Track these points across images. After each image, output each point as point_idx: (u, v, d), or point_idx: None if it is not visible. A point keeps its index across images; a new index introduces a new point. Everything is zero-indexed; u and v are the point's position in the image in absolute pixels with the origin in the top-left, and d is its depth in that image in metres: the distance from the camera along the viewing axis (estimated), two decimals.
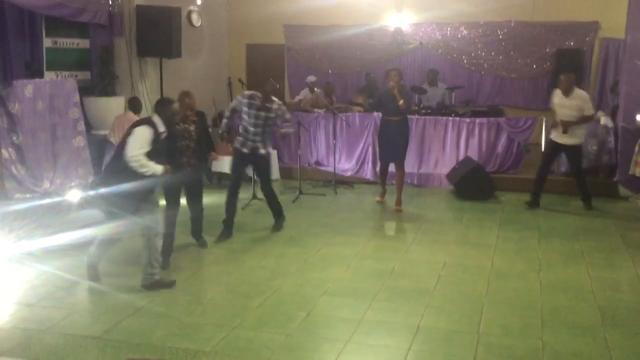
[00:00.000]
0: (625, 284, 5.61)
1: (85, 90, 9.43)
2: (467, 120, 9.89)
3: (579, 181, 8.32)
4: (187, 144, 6.16)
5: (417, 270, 5.97)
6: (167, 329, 4.51)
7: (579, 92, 8.04)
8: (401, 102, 7.89)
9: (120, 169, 5.19)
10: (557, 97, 8.16)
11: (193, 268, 5.90)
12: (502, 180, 9.33)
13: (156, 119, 5.30)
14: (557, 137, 8.10)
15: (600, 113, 10.28)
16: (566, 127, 7.90)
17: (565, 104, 8.00)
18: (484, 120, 9.84)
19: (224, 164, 9.69)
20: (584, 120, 8.03)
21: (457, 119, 9.95)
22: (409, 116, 8.55)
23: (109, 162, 6.07)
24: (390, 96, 8.01)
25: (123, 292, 5.23)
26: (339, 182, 9.74)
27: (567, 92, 7.98)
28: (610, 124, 9.66)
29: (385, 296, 5.24)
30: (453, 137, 9.93)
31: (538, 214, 8.10)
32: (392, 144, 8.18)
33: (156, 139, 5.21)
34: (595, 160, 9.46)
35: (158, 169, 5.23)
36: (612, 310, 4.94)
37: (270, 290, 5.29)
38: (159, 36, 10.20)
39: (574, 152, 8.18)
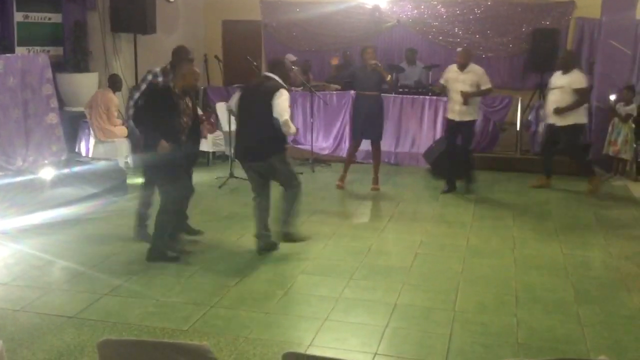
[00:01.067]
0: (597, 262, 5.70)
1: (58, 66, 9.23)
2: (444, 99, 9.88)
3: (466, 158, 8.15)
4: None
5: (394, 249, 6.01)
6: (144, 308, 4.48)
7: (473, 67, 7.87)
8: (389, 77, 7.91)
9: (273, 135, 5.44)
10: (452, 72, 7.98)
11: None
12: (478, 159, 9.38)
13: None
14: (453, 114, 7.96)
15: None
16: (465, 98, 7.67)
17: (459, 78, 7.81)
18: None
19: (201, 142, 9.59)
20: (481, 93, 7.90)
21: (434, 98, 9.96)
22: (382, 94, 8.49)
23: (254, 132, 5.56)
24: (366, 72, 7.91)
25: (99, 271, 5.17)
26: (317, 160, 9.71)
27: (462, 67, 7.82)
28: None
29: (362, 274, 5.27)
30: (430, 116, 9.97)
31: (511, 192, 8.18)
32: (369, 121, 8.09)
33: None
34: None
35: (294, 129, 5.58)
36: (584, 287, 5.03)
37: (248, 269, 5.27)
38: (133, 11, 10.02)
39: (467, 128, 7.96)
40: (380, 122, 8.25)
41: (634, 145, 8.84)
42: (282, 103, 5.37)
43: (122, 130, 8.92)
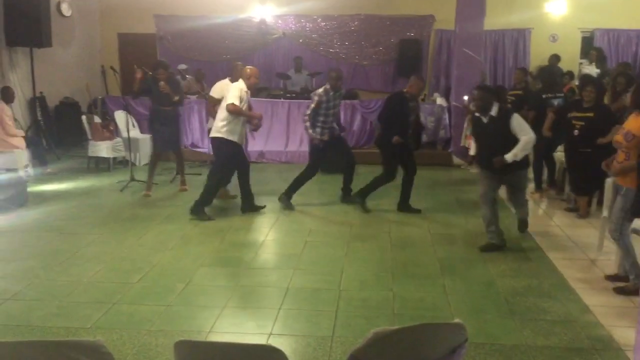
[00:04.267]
0: (459, 238, 5.99)
1: None
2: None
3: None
4: None
5: (286, 238, 6.03)
6: (46, 310, 4.20)
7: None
8: (176, 98, 7.47)
9: None
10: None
11: (71, 251, 5.52)
12: (358, 154, 9.56)
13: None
14: None
15: (436, 94, 10.88)
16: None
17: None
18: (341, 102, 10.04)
19: (100, 148, 9.20)
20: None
21: None
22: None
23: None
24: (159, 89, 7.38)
25: None
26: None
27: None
28: (444, 103, 10.25)
29: (258, 263, 5.24)
30: None
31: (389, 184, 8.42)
32: (168, 133, 7.61)
33: None
34: (433, 134, 10.03)
35: None
36: (448, 261, 5.27)
37: (149, 266, 5.09)
38: (28, 26, 9.42)
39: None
40: (177, 133, 7.86)
41: None
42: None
43: (20, 140, 8.35)
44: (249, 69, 6.59)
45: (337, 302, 4.36)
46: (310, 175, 7.14)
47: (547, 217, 6.76)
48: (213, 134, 6.60)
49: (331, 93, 6.87)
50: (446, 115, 9.97)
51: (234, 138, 6.50)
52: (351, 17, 12.39)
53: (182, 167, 8.08)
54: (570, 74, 10.55)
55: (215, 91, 7.52)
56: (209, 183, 6.68)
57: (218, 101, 6.96)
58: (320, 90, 6.92)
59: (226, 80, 7.34)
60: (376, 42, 12.50)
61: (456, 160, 9.66)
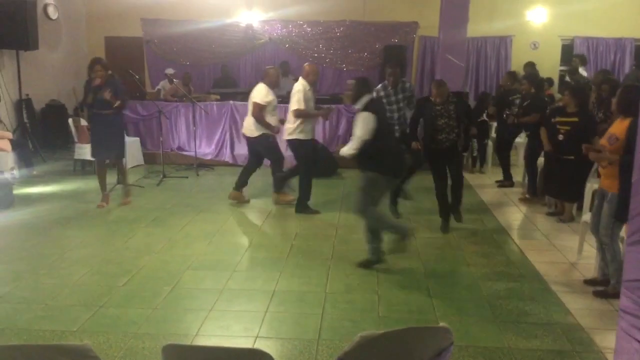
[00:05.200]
0: (443, 242, 5.98)
1: None
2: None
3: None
4: None
5: (273, 242, 6.01)
6: (32, 313, 4.14)
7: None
8: (117, 103, 6.71)
9: None
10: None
11: (57, 253, 5.45)
12: (343, 159, 9.57)
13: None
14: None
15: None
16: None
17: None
18: (326, 107, 10.04)
19: (87, 151, 9.09)
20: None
21: None
22: None
23: None
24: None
25: None
26: (200, 165, 9.50)
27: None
28: None
29: (245, 267, 5.22)
30: None
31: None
32: (109, 140, 6.93)
33: None
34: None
35: None
36: (433, 265, 5.28)
37: (136, 269, 5.04)
38: (15, 28, 9.32)
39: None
40: (119, 141, 7.12)
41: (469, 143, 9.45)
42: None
43: (6, 143, 8.24)
44: (307, 66, 6.90)
45: (322, 304, 4.35)
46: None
47: (529, 222, 6.81)
48: (288, 137, 6.88)
49: (390, 88, 6.89)
50: None
51: (306, 137, 6.85)
52: (337, 23, 12.43)
53: (125, 178, 7.40)
54: (549, 81, 10.67)
55: (256, 96, 7.01)
56: (301, 182, 6.95)
57: (261, 106, 6.94)
58: (379, 85, 7.02)
59: (261, 85, 7.06)
60: (361, 48, 12.54)
61: None
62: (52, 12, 11.04)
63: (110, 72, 6.79)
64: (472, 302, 4.46)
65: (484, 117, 9.44)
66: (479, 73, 12.87)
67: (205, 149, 10.12)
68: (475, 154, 9.66)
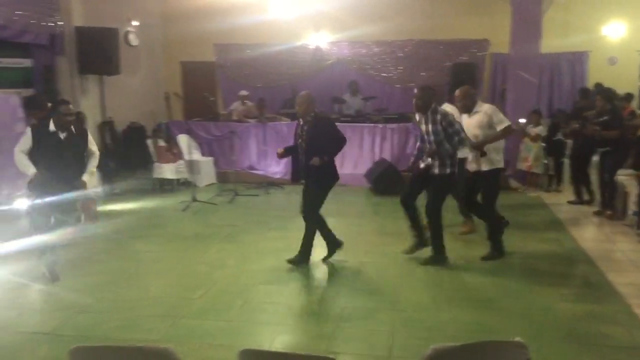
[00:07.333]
0: (517, 262, 5.82)
1: None
2: (381, 126, 10.10)
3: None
4: None
5: (342, 258, 6.03)
6: (113, 323, 4.36)
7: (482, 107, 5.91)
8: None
9: None
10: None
11: (138, 267, 5.73)
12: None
13: None
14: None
15: None
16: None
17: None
18: (395, 125, 10.08)
19: (165, 170, 9.52)
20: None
21: (372, 125, 10.15)
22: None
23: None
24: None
25: (70, 291, 5.01)
26: (270, 183, 9.72)
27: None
28: None
29: (313, 283, 5.27)
30: (369, 141, 10.12)
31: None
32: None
33: None
34: None
35: None
36: (507, 284, 5.15)
37: (210, 283, 5.21)
38: (99, 55, 9.90)
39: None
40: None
41: (544, 161, 9.18)
42: None
43: None
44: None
45: (393, 322, 4.33)
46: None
47: (608, 241, 6.51)
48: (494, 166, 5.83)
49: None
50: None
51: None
52: (404, 42, 12.44)
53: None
54: (629, 96, 10.22)
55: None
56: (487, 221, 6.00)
57: None
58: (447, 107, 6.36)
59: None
60: (429, 66, 12.47)
61: (513, 183, 9.47)
62: (133, 39, 11.67)
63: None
64: (548, 323, 4.31)
65: (559, 135, 9.14)
66: (553, 90, 12.49)
67: (275, 168, 10.33)
68: (551, 172, 9.37)
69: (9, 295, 4.97)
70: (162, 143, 9.77)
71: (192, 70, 13.18)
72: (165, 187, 9.59)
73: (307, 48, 12.69)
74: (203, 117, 11.28)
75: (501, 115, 5.77)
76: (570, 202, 8.36)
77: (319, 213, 5.68)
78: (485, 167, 5.80)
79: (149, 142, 9.72)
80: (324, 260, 5.77)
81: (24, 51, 9.35)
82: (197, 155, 9.91)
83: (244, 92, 11.27)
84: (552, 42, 10.98)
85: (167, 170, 9.48)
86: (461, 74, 11.86)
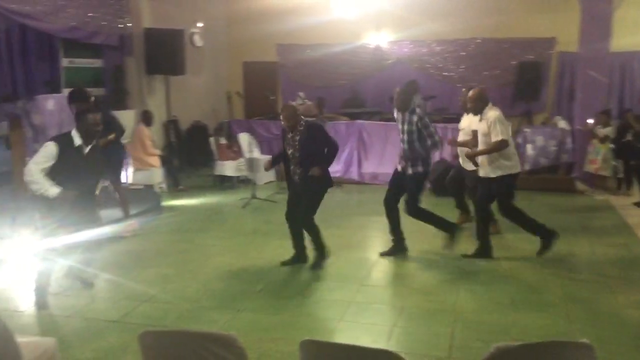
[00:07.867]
0: (583, 266, 5.65)
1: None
2: (441, 125, 9.95)
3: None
4: None
5: (399, 257, 5.98)
6: (178, 313, 4.52)
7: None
8: (110, 136, 6.48)
9: None
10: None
11: (200, 260, 5.90)
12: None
13: None
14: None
15: (558, 118, 10.42)
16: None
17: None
18: (455, 125, 9.91)
19: (226, 167, 9.73)
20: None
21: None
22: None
23: None
24: None
25: (137, 282, 5.22)
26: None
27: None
28: (567, 127, 9.78)
29: (372, 281, 5.27)
30: None
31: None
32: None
33: None
34: (555, 159, 9.57)
35: None
36: (572, 289, 4.99)
37: (269, 277, 5.31)
38: (165, 56, 10.23)
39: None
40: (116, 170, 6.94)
41: (613, 163, 8.83)
42: None
43: (156, 160, 9.07)
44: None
45: (452, 323, 4.28)
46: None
47: None
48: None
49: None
50: (569, 139, 9.50)
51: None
52: (467, 41, 12.24)
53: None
54: None
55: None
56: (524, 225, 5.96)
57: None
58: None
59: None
60: (493, 65, 12.22)
61: (580, 186, 9.15)
62: (198, 40, 12.01)
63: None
64: (616, 331, 4.15)
65: (629, 137, 8.76)
66: (624, 90, 11.97)
67: (334, 167, 10.34)
68: (620, 175, 8.99)
69: (77, 284, 5.22)
70: (223, 141, 10.00)
71: (254, 70, 13.43)
72: (225, 184, 9.82)
73: (367, 48, 12.70)
74: (264, 116, 11.49)
75: (499, 128, 5.50)
76: (635, 204, 8.01)
77: (314, 220, 5.58)
78: (493, 174, 5.61)
79: (211, 140, 9.97)
80: (313, 267, 5.55)
81: (95, 52, 9.81)
82: (257, 154, 10.08)
83: (301, 94, 11.41)
84: (623, 40, 10.53)
85: (228, 168, 9.70)
86: (527, 73, 11.60)
